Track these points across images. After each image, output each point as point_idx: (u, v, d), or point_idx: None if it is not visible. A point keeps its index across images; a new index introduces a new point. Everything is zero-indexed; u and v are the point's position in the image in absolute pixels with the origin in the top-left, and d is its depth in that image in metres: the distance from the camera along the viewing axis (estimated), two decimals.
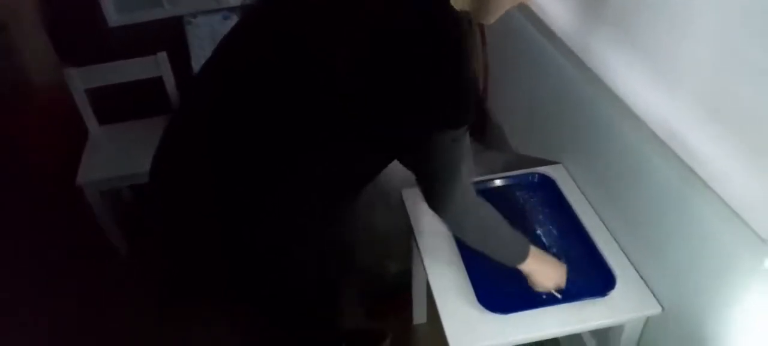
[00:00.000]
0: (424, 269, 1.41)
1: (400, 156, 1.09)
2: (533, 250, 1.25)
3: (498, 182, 1.63)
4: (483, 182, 1.63)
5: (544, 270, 1.27)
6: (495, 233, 1.20)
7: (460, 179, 1.07)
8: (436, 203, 1.11)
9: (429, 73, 0.93)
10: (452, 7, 0.96)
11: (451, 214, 1.12)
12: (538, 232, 1.49)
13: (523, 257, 1.23)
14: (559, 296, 1.30)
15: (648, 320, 1.33)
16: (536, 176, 1.65)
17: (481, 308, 1.28)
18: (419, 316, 1.89)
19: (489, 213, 1.17)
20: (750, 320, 1.04)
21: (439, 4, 0.95)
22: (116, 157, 2.13)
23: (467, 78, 0.97)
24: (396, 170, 1.44)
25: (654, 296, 1.30)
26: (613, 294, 1.31)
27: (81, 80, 2.06)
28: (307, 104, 0.97)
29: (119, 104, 2.24)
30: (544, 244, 1.46)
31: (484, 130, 2.30)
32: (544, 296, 1.31)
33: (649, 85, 1.26)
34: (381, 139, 1.02)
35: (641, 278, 1.35)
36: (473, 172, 1.09)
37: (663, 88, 1.22)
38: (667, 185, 1.23)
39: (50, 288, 2.13)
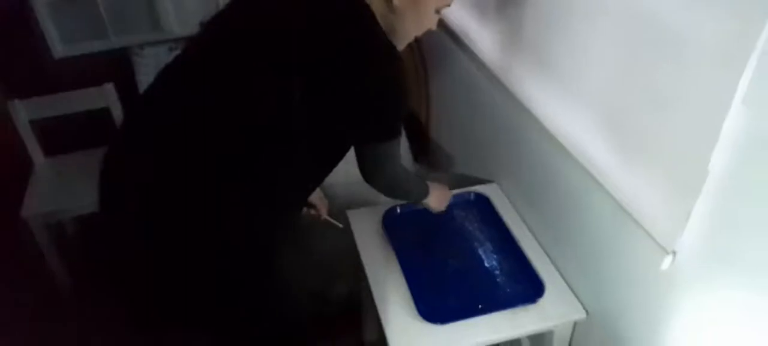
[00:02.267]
0: (369, 286, 1.49)
1: (341, 155, 1.23)
2: (431, 186, 1.51)
3: None
4: None
5: (437, 198, 1.54)
6: (409, 189, 1.45)
7: (392, 163, 1.23)
8: (370, 179, 1.26)
9: (358, 94, 1.06)
10: (383, 38, 1.06)
11: (382, 186, 1.30)
12: (474, 245, 1.59)
13: (426, 195, 1.49)
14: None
15: (576, 325, 1.44)
16: (472, 194, 1.76)
17: (422, 319, 1.36)
18: (370, 333, 1.95)
19: (408, 179, 1.41)
20: (657, 316, 1.16)
21: (369, 35, 1.07)
22: (62, 189, 2.12)
23: (393, 100, 1.11)
24: (339, 194, 1.52)
25: (580, 302, 1.41)
26: (543, 301, 1.40)
27: (26, 112, 2.06)
28: (252, 115, 1.06)
29: (66, 136, 2.24)
30: (479, 256, 1.56)
31: (427, 153, 2.41)
32: (476, 286, 1.45)
33: (559, 104, 1.39)
34: (320, 145, 1.14)
35: (568, 286, 1.45)
36: (400, 156, 1.26)
37: (570, 107, 1.35)
38: (584, 200, 1.35)
39: None
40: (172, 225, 1.08)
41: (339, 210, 1.65)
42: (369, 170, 1.22)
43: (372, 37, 1.07)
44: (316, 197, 1.57)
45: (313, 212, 1.59)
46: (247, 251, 1.14)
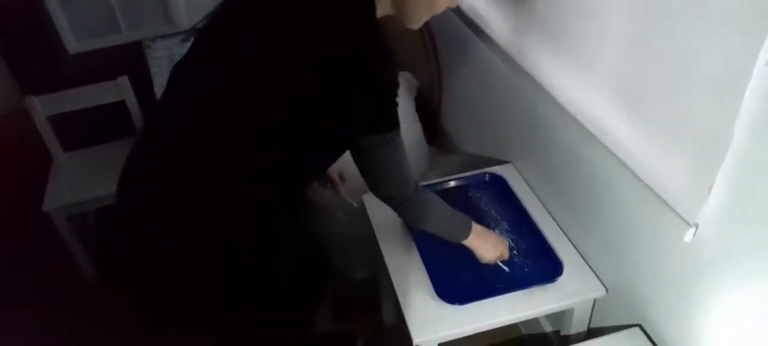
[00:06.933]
0: (387, 269, 1.49)
1: (342, 151, 1.20)
2: (476, 227, 1.36)
3: (453, 183, 1.73)
4: (439, 182, 1.72)
5: (486, 244, 1.39)
6: (435, 214, 1.30)
7: (397, 170, 1.17)
8: (377, 191, 1.21)
9: (355, 91, 1.05)
10: (378, 36, 1.07)
11: (392, 199, 1.23)
12: (492, 226, 1.58)
13: (466, 233, 1.34)
14: (505, 268, 1.42)
15: (595, 302, 1.43)
16: (487, 175, 1.75)
17: (440, 301, 1.36)
18: (389, 317, 1.96)
19: (428, 198, 1.27)
20: (679, 290, 1.15)
21: (364, 37, 1.06)
22: (81, 182, 2.14)
23: (387, 95, 1.09)
24: (357, 179, 1.51)
25: (599, 279, 1.40)
26: (561, 280, 1.40)
27: (43, 108, 2.08)
28: (260, 114, 1.07)
29: (84, 130, 2.26)
30: None
31: (439, 135, 2.40)
32: (492, 267, 1.42)
33: (575, 81, 1.37)
34: (324, 139, 1.13)
35: (587, 263, 1.45)
36: (408, 164, 1.19)
37: (586, 84, 1.32)
38: (602, 177, 1.34)
39: (17, 314, 2.12)
40: (177, 228, 1.11)
41: (354, 195, 1.66)
42: (367, 171, 1.17)
43: (365, 37, 1.06)
44: (334, 172, 1.57)
45: (330, 188, 1.59)
46: (247, 250, 1.15)
